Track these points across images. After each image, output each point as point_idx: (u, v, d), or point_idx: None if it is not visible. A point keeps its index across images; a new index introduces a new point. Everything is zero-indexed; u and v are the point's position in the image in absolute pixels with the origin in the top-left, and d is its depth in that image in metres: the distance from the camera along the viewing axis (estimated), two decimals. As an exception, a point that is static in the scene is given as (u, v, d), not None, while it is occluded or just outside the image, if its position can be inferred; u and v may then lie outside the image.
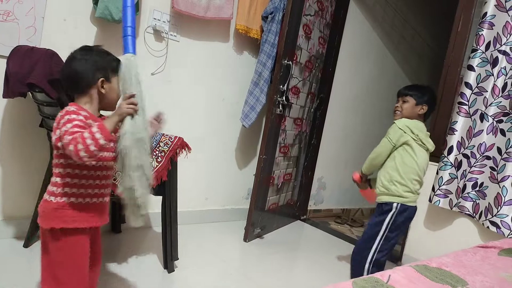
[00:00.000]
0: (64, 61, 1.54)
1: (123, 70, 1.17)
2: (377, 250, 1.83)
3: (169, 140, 1.82)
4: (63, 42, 1.95)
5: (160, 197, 1.89)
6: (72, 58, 1.21)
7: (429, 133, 1.92)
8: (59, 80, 1.52)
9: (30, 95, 1.72)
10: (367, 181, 2.11)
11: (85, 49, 1.23)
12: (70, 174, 1.15)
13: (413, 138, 1.82)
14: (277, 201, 2.88)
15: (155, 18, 2.27)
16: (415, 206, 1.88)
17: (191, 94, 2.56)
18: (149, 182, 1.17)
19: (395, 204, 1.83)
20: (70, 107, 1.14)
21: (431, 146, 1.89)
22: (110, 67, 1.21)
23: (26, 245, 1.89)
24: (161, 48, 2.34)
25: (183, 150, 1.88)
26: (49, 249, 1.16)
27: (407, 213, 1.84)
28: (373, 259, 1.83)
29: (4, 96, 1.69)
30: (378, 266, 1.84)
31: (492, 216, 2.14)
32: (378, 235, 1.84)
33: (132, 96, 1.15)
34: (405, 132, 1.82)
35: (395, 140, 1.84)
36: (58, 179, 1.15)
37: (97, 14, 1.94)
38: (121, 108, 1.14)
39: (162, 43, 2.35)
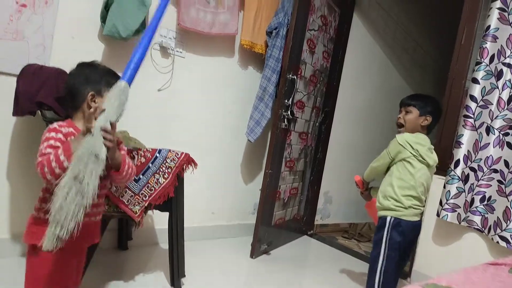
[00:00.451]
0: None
1: (112, 91, 1.12)
2: (382, 272, 1.78)
3: (175, 156, 1.83)
4: (72, 59, 1.94)
5: (167, 213, 1.89)
6: (69, 74, 1.23)
7: (433, 147, 1.89)
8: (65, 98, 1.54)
9: (39, 112, 1.74)
10: (368, 189, 2.11)
11: (80, 64, 1.24)
12: (48, 189, 1.11)
13: (412, 154, 1.79)
14: (284, 216, 2.86)
15: (161, 35, 2.30)
16: (413, 222, 1.82)
17: (197, 109, 2.58)
18: (82, 207, 0.99)
19: (388, 218, 1.80)
20: (54, 124, 1.13)
21: (432, 161, 1.85)
22: (104, 81, 1.19)
23: (32, 263, 1.89)
24: (167, 64, 2.37)
25: (189, 166, 1.88)
26: (26, 263, 1.13)
27: (402, 228, 1.78)
28: (380, 282, 1.77)
29: (14, 114, 1.71)
30: None
31: (501, 231, 2.11)
32: (379, 256, 1.79)
33: (102, 111, 1.07)
34: (404, 148, 1.80)
35: (393, 154, 1.84)
36: (40, 194, 1.14)
37: (105, 32, 1.97)
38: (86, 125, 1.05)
39: (168, 59, 2.38)
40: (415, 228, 1.86)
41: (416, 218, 1.84)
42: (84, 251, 1.27)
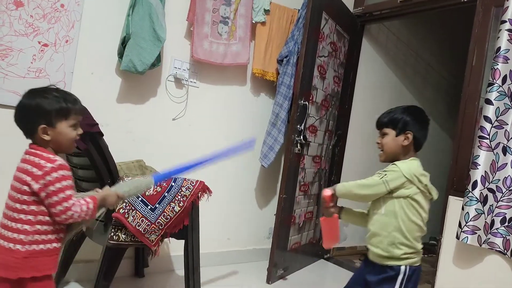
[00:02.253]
0: (91, 114, 1.64)
1: (138, 183, 1.32)
2: None
3: (190, 184, 1.86)
4: (90, 94, 2.06)
5: (183, 241, 1.91)
6: (18, 102, 1.18)
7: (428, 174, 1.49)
8: (87, 132, 1.61)
9: (60, 146, 1.81)
10: (336, 206, 1.60)
11: (30, 92, 1.18)
12: (41, 221, 1.12)
13: (420, 190, 1.43)
14: (299, 240, 2.84)
15: (175, 67, 2.38)
16: (421, 265, 1.51)
17: (211, 136, 2.63)
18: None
19: (403, 268, 1.42)
20: (57, 159, 1.13)
21: (435, 194, 1.49)
22: (55, 112, 1.15)
23: (52, 292, 1.92)
24: (181, 94, 2.45)
25: (204, 193, 1.91)
26: None
27: (415, 275, 1.46)
28: None
29: (35, 148, 1.78)
30: None
31: (525, 253, 2.05)
32: None
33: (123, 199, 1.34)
34: (411, 183, 1.41)
35: (393, 187, 1.41)
36: (27, 227, 1.11)
37: (122, 67, 2.06)
38: (110, 200, 1.24)
39: (183, 90, 2.45)
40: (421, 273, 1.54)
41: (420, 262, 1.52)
42: None
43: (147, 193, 1.73)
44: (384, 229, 1.46)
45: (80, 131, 1.24)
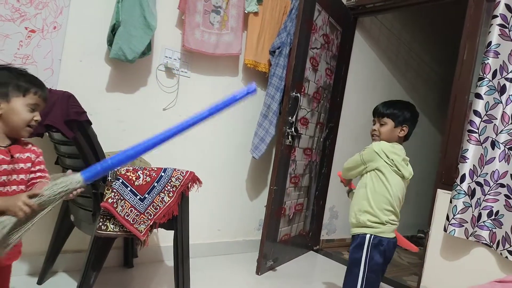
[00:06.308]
0: (79, 102, 1.62)
1: (61, 184, 1.08)
2: None
3: (180, 175, 1.85)
4: (79, 82, 2.03)
5: (172, 231, 1.90)
6: None
7: (408, 158, 1.77)
8: (75, 121, 1.58)
9: (47, 134, 1.78)
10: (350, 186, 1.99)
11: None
12: None
13: (387, 163, 1.67)
14: (289, 232, 2.85)
15: (166, 56, 2.35)
16: (393, 239, 1.71)
17: (202, 127, 2.60)
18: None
19: (368, 236, 1.65)
20: None
21: (408, 173, 1.72)
22: (13, 85, 1.09)
23: (39, 282, 1.91)
24: (172, 84, 2.42)
25: (194, 184, 1.90)
26: None
27: (383, 246, 1.65)
28: None
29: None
30: None
31: (510, 246, 2.08)
32: (358, 279, 1.62)
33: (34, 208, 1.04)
34: (379, 156, 1.67)
35: (366, 160, 1.72)
36: None
37: (112, 55, 2.03)
38: (15, 206, 1.02)
39: (173, 80, 2.42)
40: (394, 246, 1.73)
41: (393, 235, 1.72)
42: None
43: (136, 183, 1.72)
44: (356, 199, 1.75)
45: (38, 117, 1.14)
